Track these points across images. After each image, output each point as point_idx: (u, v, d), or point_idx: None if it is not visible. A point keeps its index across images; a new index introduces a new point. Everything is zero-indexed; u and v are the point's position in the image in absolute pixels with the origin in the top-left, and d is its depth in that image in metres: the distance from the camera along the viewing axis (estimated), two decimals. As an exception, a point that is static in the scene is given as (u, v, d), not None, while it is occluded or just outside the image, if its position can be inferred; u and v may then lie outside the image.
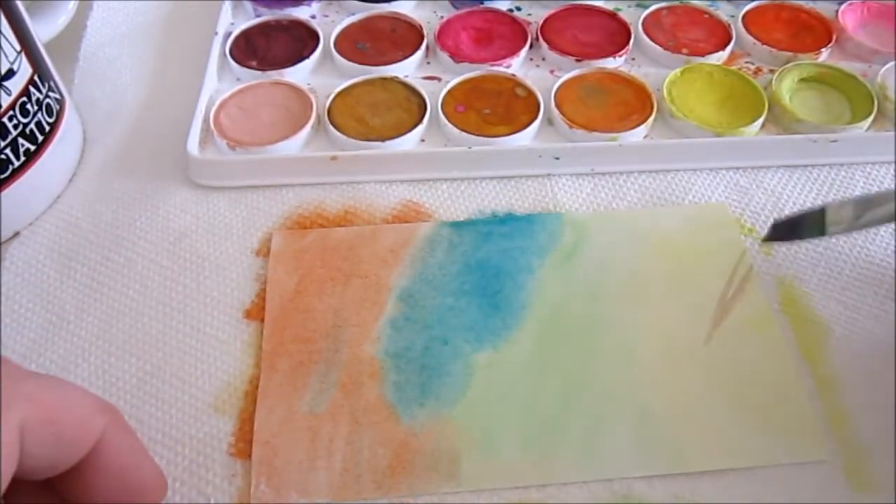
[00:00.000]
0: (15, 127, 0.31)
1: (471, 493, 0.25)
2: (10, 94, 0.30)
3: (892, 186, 0.35)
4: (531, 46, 0.40)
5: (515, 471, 0.26)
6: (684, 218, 0.33)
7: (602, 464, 0.26)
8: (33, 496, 0.21)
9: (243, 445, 0.26)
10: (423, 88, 0.37)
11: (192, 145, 0.34)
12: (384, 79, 0.38)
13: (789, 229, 0.29)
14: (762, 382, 0.28)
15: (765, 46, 0.39)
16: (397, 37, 0.40)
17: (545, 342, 0.29)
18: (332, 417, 0.27)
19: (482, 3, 0.42)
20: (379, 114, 0.36)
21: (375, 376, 0.28)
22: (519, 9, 0.43)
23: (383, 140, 0.35)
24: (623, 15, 0.41)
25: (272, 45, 0.40)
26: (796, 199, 0.34)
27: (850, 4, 0.42)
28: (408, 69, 0.39)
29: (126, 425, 0.22)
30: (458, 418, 0.27)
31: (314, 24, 0.41)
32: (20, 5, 0.32)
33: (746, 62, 0.40)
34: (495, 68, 0.38)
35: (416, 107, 0.36)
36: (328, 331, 0.29)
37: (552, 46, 0.39)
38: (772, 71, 0.39)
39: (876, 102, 0.36)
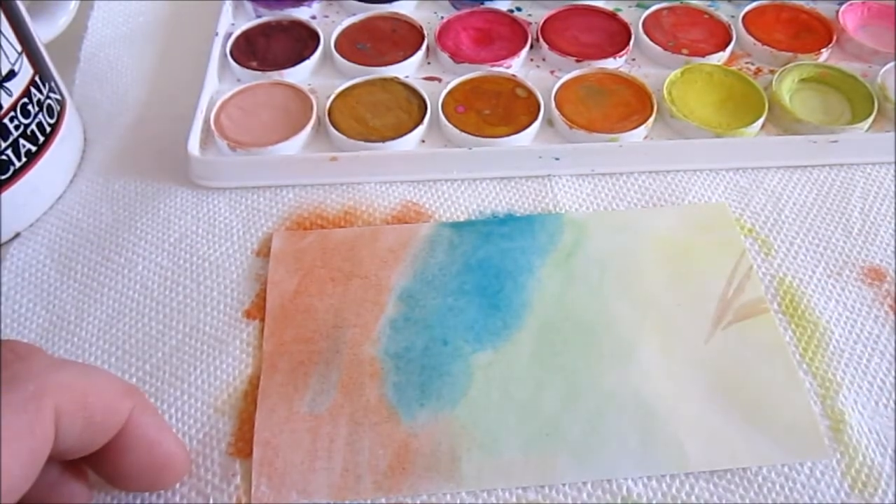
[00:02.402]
0: (16, 128, 0.31)
1: (471, 493, 0.25)
2: (11, 95, 0.30)
3: (892, 187, 0.35)
4: (531, 47, 0.40)
5: (515, 471, 0.26)
6: (684, 218, 0.33)
7: (602, 464, 0.26)
8: (64, 472, 0.23)
9: (243, 445, 0.26)
10: (424, 89, 0.37)
11: (193, 146, 0.34)
12: (384, 79, 0.38)
13: None
14: (762, 383, 0.28)
15: (765, 47, 0.39)
16: (398, 37, 0.40)
17: (545, 342, 0.29)
18: (332, 418, 0.27)
19: (482, 4, 0.42)
20: (379, 114, 0.36)
21: (376, 377, 0.28)
22: (519, 9, 0.43)
23: (383, 140, 0.35)
24: (623, 15, 0.41)
25: (272, 45, 0.40)
26: (796, 199, 0.34)
27: (851, 5, 0.42)
28: (408, 70, 0.39)
29: (150, 405, 0.24)
30: (458, 419, 0.27)
31: (314, 24, 0.41)
32: (21, 6, 0.32)
33: (747, 63, 0.40)
34: (495, 69, 0.38)
35: (416, 107, 0.36)
36: (328, 331, 0.29)
37: (552, 47, 0.39)
38: (772, 71, 0.39)
39: (876, 103, 0.36)
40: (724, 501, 0.25)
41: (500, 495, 0.25)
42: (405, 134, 0.35)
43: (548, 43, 0.40)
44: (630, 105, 0.37)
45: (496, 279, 0.31)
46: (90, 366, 0.22)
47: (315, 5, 0.42)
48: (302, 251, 0.32)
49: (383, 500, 0.25)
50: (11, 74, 0.30)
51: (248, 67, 0.38)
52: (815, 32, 0.41)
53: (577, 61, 0.39)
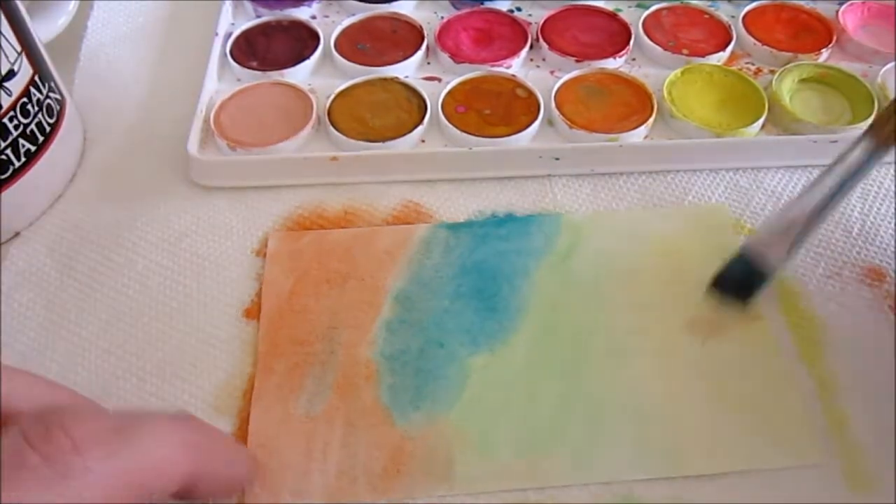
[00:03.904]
0: (16, 127, 0.31)
1: (468, 495, 0.25)
2: (10, 95, 0.30)
3: (892, 187, 0.34)
4: (531, 47, 0.40)
5: (510, 473, 0.26)
6: (682, 219, 0.33)
7: (598, 466, 0.26)
8: None
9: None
10: (424, 89, 0.37)
11: (193, 145, 0.34)
12: (384, 79, 0.38)
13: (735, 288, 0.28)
14: (760, 384, 0.28)
15: (765, 47, 0.39)
16: (398, 37, 0.40)
17: (541, 345, 0.29)
18: (327, 420, 0.27)
19: (482, 4, 0.42)
20: (379, 114, 0.36)
21: (371, 379, 0.28)
22: (519, 9, 0.43)
23: (383, 140, 0.35)
24: (623, 15, 0.41)
25: (272, 45, 0.40)
26: (796, 199, 0.34)
27: (851, 5, 0.42)
28: (408, 69, 0.39)
29: (208, 438, 0.23)
30: (453, 421, 0.27)
31: (314, 24, 0.41)
32: (20, 5, 0.32)
33: (747, 63, 0.40)
34: (495, 69, 0.38)
35: (416, 107, 0.36)
36: (324, 332, 0.29)
37: (552, 47, 0.39)
38: (772, 71, 0.38)
39: (876, 103, 0.36)
40: (725, 501, 0.25)
41: (494, 498, 0.25)
42: (405, 134, 0.35)
43: (548, 43, 0.39)
44: (630, 105, 0.37)
45: (493, 281, 0.31)
46: (149, 433, 0.21)
47: (315, 5, 0.42)
48: (298, 252, 0.32)
49: (378, 503, 0.25)
50: (11, 74, 0.30)
51: (248, 67, 0.38)
52: (815, 32, 0.41)
53: (577, 61, 0.39)
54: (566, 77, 0.38)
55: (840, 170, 0.27)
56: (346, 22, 0.41)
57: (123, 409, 0.23)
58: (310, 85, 0.38)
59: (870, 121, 0.36)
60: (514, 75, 0.38)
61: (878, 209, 0.34)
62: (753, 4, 0.42)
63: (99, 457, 0.19)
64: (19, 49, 0.31)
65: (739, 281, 0.28)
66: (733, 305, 0.28)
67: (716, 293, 0.28)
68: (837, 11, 0.41)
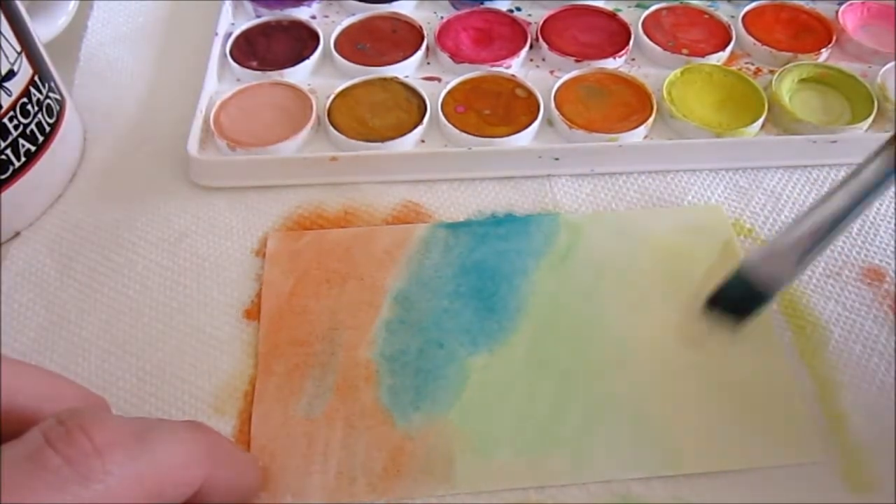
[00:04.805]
0: (15, 128, 0.31)
1: (469, 495, 0.25)
2: (10, 95, 0.30)
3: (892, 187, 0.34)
4: (531, 47, 0.40)
5: (510, 473, 0.26)
6: (679, 220, 0.33)
7: (597, 466, 0.26)
8: None
9: (243, 446, 0.26)
10: (423, 89, 0.37)
11: (192, 145, 0.34)
12: (384, 79, 0.38)
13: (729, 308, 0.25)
14: (759, 384, 0.28)
15: (765, 47, 0.39)
16: (397, 37, 0.40)
17: (540, 345, 0.29)
18: (327, 422, 0.27)
19: (482, 4, 0.42)
20: (379, 114, 0.36)
21: (370, 380, 0.28)
22: (519, 9, 0.43)
23: (383, 140, 0.35)
24: (623, 15, 0.41)
25: (272, 45, 0.40)
26: (795, 199, 0.34)
27: (850, 5, 0.42)
28: (408, 70, 0.39)
29: (220, 447, 0.23)
30: (453, 421, 0.27)
31: (314, 24, 0.41)
32: (20, 5, 0.32)
33: (746, 63, 0.40)
34: (495, 69, 0.38)
35: (415, 107, 0.36)
36: (324, 333, 0.29)
37: (552, 47, 0.39)
38: (772, 71, 0.39)
39: (876, 103, 0.36)
40: (724, 501, 0.25)
41: (494, 498, 0.25)
42: (405, 134, 0.35)
43: (547, 43, 0.40)
44: (630, 105, 0.37)
45: (491, 281, 0.31)
46: (169, 439, 0.21)
47: (315, 5, 0.42)
48: (297, 252, 0.32)
49: (378, 503, 0.25)
50: (11, 74, 0.30)
51: (248, 67, 0.38)
52: (814, 32, 0.41)
53: (577, 61, 0.39)
54: (566, 77, 0.38)
55: (854, 186, 0.23)
56: (346, 22, 0.41)
57: (131, 417, 0.23)
58: (310, 85, 0.38)
59: (870, 121, 0.36)
60: (513, 75, 0.38)
61: (878, 209, 0.34)
62: (753, 4, 0.42)
63: (119, 461, 0.19)
64: (19, 49, 0.31)
65: (737, 301, 0.25)
66: (728, 325, 0.26)
67: (711, 312, 0.26)
68: (837, 11, 0.41)
